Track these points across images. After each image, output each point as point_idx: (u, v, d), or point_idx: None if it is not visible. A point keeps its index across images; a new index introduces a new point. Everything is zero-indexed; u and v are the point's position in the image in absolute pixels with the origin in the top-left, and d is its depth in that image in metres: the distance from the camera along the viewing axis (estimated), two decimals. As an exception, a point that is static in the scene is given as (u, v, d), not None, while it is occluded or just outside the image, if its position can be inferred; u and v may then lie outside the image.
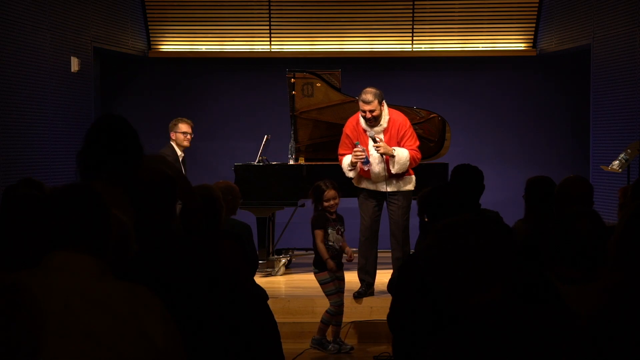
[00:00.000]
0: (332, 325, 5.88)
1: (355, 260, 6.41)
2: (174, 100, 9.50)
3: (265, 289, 4.57)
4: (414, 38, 9.40)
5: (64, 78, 7.86)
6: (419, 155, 6.36)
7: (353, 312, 6.25)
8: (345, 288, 6.02)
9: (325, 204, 5.77)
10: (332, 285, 5.80)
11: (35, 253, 2.23)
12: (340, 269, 5.90)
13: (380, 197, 6.44)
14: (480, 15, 9.34)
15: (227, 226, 4.28)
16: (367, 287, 6.45)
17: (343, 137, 6.49)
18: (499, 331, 1.89)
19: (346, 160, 6.39)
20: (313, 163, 7.55)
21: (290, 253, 8.26)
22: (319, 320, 5.90)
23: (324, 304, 5.92)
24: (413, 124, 6.63)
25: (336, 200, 5.81)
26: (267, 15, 9.32)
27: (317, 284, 5.90)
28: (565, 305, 2.03)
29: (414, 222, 5.24)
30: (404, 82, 9.45)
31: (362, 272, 6.47)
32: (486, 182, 4.83)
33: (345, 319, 5.99)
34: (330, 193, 5.76)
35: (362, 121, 6.30)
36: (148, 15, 9.31)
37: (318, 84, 7.46)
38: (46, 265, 2.08)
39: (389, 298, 4.12)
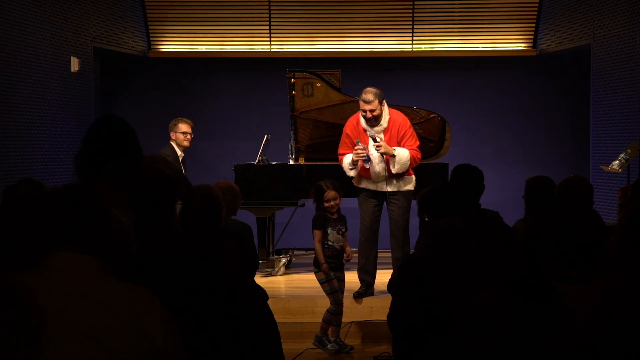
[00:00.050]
0: (331, 325, 5.88)
1: (355, 260, 6.41)
2: (174, 100, 9.50)
3: (265, 289, 4.56)
4: (414, 38, 9.40)
5: (64, 78, 7.86)
6: (419, 155, 6.36)
7: (353, 312, 6.25)
8: (345, 288, 6.01)
9: (326, 204, 5.76)
10: (332, 285, 5.79)
11: (35, 253, 2.23)
12: (340, 269, 5.90)
13: (381, 197, 6.44)
14: (480, 15, 9.34)
15: (227, 226, 4.28)
16: (367, 287, 6.45)
17: (343, 137, 6.49)
18: (499, 331, 1.90)
19: (347, 160, 6.39)
20: (313, 163, 7.55)
21: (290, 253, 8.26)
22: (319, 320, 5.89)
23: (324, 304, 5.92)
24: (413, 124, 6.63)
25: (337, 201, 5.80)
26: (267, 15, 9.32)
27: (317, 284, 5.89)
28: (564, 305, 2.03)
29: (414, 222, 5.24)
30: (404, 82, 9.45)
31: (362, 272, 6.47)
32: (486, 182, 4.82)
33: (345, 319, 5.98)
34: (330, 193, 5.76)
35: (362, 121, 6.30)
36: (148, 15, 9.31)
37: (318, 84, 7.46)
38: (46, 265, 2.09)
39: (389, 298, 4.12)
